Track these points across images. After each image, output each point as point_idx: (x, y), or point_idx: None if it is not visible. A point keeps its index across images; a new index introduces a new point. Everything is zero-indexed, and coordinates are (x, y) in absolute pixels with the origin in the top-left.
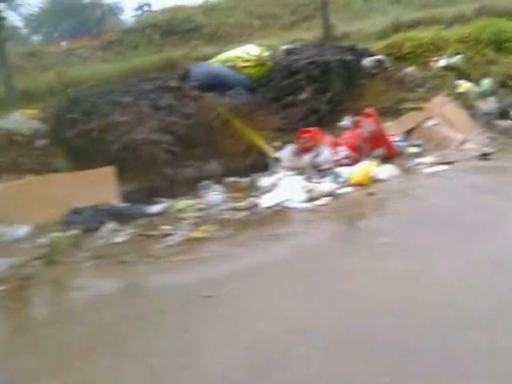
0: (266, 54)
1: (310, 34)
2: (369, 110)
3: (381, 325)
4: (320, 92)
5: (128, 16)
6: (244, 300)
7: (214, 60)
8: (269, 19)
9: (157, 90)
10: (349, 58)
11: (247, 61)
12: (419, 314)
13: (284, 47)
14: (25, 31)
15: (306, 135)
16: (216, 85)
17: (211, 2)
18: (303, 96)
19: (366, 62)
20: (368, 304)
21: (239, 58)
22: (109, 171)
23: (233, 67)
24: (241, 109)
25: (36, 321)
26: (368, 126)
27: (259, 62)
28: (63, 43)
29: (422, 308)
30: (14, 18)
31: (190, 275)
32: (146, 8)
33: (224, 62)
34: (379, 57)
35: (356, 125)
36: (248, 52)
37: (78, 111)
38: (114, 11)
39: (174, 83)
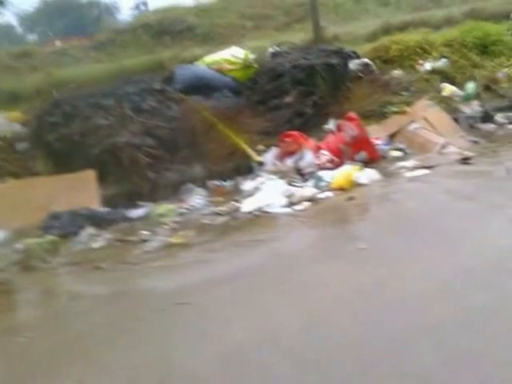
0: (252, 56)
1: (301, 35)
2: (351, 114)
3: (348, 332)
4: (305, 95)
5: (125, 15)
6: (218, 308)
7: (199, 62)
8: (261, 20)
9: (140, 93)
10: (334, 61)
11: (233, 63)
12: (387, 321)
13: (270, 50)
14: (20, 30)
15: (289, 139)
16: (201, 87)
17: (204, 2)
18: (288, 99)
19: (352, 65)
20: (338, 312)
21: (225, 60)
22: (90, 175)
23: (218, 70)
24: (225, 112)
25: (5, 328)
26: (350, 129)
27: (245, 65)
28: (58, 42)
29: (389, 315)
30: (9, 18)
31: (166, 282)
32: (142, 7)
33: (210, 64)
34: (365, 60)
35: (339, 129)
36: (234, 55)
37: (59, 114)
38: (110, 10)
39: (157, 86)
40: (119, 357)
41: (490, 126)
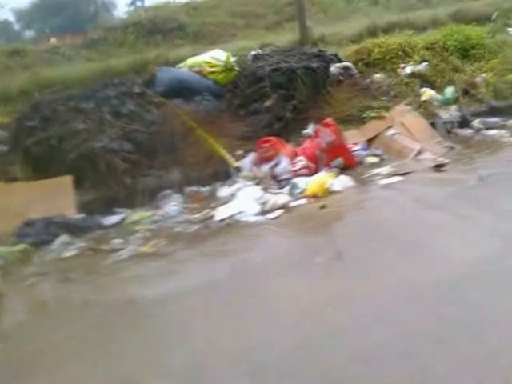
0: (233, 59)
1: (288, 36)
2: (328, 120)
3: (302, 350)
4: (285, 99)
5: (121, 12)
6: (179, 322)
7: (181, 65)
8: (252, 19)
9: (120, 96)
10: (314, 64)
11: (214, 66)
12: (342, 338)
13: (252, 53)
14: (17, 27)
15: (266, 144)
16: (182, 90)
17: (195, 1)
18: (268, 103)
19: (333, 68)
20: (294, 329)
21: (206, 63)
22: (66, 181)
23: (199, 72)
24: (205, 116)
25: None
26: (327, 135)
27: (226, 68)
28: (53, 40)
29: (344, 333)
30: (6, 14)
31: (128, 295)
32: (138, 3)
33: (191, 66)
34: (346, 63)
35: (315, 134)
36: (215, 57)
37: (37, 118)
38: (107, 7)
39: (137, 89)
40: (64, 377)
41: (467, 132)
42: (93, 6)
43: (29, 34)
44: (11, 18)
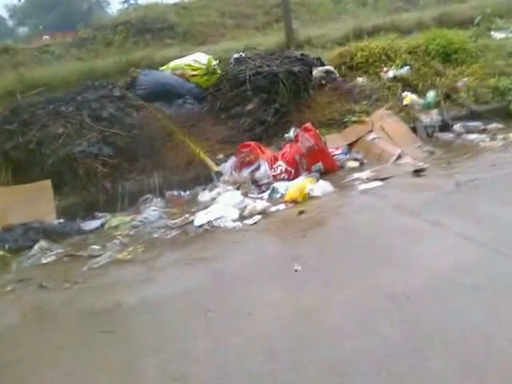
0: (215, 62)
1: (275, 37)
2: (308, 125)
3: (275, 362)
4: (267, 103)
5: (115, 9)
6: (149, 332)
7: (164, 67)
8: (242, 19)
9: (100, 100)
10: (296, 68)
11: (196, 69)
12: (316, 350)
13: (235, 56)
14: (11, 23)
15: (246, 149)
16: (164, 93)
17: (185, 0)
18: (249, 107)
19: (315, 72)
20: (268, 339)
21: (188, 66)
22: (46, 185)
23: (182, 76)
24: (186, 119)
25: None
26: (307, 140)
27: (208, 71)
28: (46, 37)
29: (319, 344)
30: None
31: (99, 305)
32: (132, 1)
33: (174, 69)
34: (328, 67)
35: (295, 139)
36: (197, 60)
37: (17, 122)
38: (100, 4)
39: (118, 92)
40: (56, 379)
41: (448, 136)
42: (86, 4)
43: (22, 30)
44: (4, 14)
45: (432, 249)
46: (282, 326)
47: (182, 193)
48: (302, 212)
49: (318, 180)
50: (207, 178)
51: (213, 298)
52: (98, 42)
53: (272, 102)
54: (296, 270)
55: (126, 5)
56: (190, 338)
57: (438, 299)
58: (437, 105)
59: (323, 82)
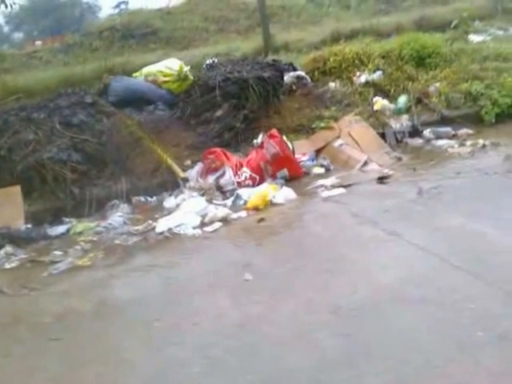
0: (186, 68)
1: (254, 42)
2: (273, 131)
3: (213, 374)
4: (237, 109)
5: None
6: (87, 345)
7: (137, 74)
8: (225, 23)
9: (72, 106)
10: (266, 74)
11: (168, 75)
12: (256, 362)
13: (207, 61)
14: (6, 29)
15: (211, 156)
16: (136, 100)
17: (169, 6)
18: (218, 113)
19: (286, 78)
20: (208, 350)
21: (160, 72)
22: (15, 191)
23: (154, 82)
24: (156, 125)
25: None
26: (272, 147)
27: (180, 77)
28: (38, 43)
29: (259, 357)
30: None
31: (53, 311)
32: (123, 6)
33: (146, 75)
34: (299, 72)
35: (261, 146)
36: (168, 66)
37: None
38: (92, 10)
39: (89, 99)
40: None
41: (417, 142)
42: (78, 9)
43: (17, 36)
44: (1, 20)
45: (384, 260)
46: (225, 337)
47: (149, 199)
48: (261, 220)
49: (282, 187)
50: (174, 184)
51: (161, 307)
52: (85, 47)
53: (242, 108)
54: (246, 280)
55: (117, 10)
56: (132, 347)
57: (381, 312)
58: (408, 110)
59: (294, 87)
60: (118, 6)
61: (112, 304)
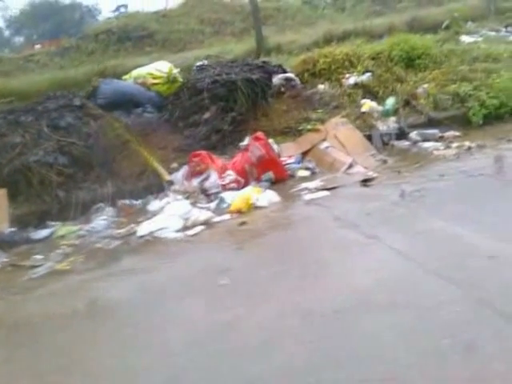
0: (176, 70)
1: (246, 45)
2: (258, 134)
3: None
4: (225, 111)
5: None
6: (57, 353)
7: (126, 76)
8: (220, 26)
9: (59, 109)
10: (254, 76)
11: (157, 78)
12: (220, 371)
13: (197, 63)
14: (7, 33)
15: (197, 158)
16: (125, 102)
17: (166, 8)
18: (206, 115)
19: (275, 80)
20: (164, 364)
21: (149, 74)
22: (1, 194)
23: (143, 84)
24: (144, 128)
25: None
26: (257, 149)
27: (169, 79)
28: (37, 46)
29: (224, 365)
30: None
31: (28, 317)
32: (122, 9)
33: (136, 78)
34: (288, 74)
35: (246, 148)
36: (158, 69)
37: None
38: (92, 13)
39: (77, 102)
40: None
41: (404, 144)
42: (78, 13)
43: (18, 40)
44: (2, 24)
45: (361, 264)
46: (192, 344)
47: (134, 202)
48: (243, 223)
49: (266, 190)
50: (159, 188)
51: (132, 314)
52: (81, 50)
53: (230, 111)
54: (223, 285)
55: (116, 13)
56: (98, 356)
57: (352, 319)
58: (396, 112)
59: (283, 89)
60: (117, 9)
61: (83, 310)
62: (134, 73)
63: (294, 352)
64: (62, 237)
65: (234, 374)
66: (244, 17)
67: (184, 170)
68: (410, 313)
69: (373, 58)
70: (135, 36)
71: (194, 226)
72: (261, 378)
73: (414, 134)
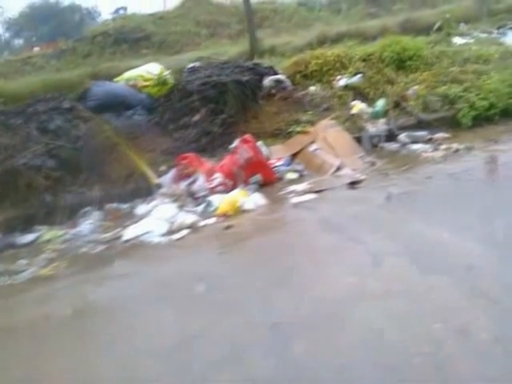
0: (167, 72)
1: (240, 47)
2: (246, 136)
3: None
4: (215, 113)
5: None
6: (22, 363)
7: (118, 78)
8: (217, 28)
9: (49, 112)
10: (244, 78)
11: (148, 80)
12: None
13: (189, 65)
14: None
15: (185, 161)
16: (116, 105)
17: (162, 10)
18: (196, 118)
19: (266, 81)
20: (127, 376)
21: (140, 76)
22: None
23: (134, 86)
24: (133, 130)
25: None
26: (245, 152)
27: (159, 81)
28: (36, 48)
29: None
30: None
31: (9, 320)
32: (122, 11)
33: (127, 80)
34: (279, 76)
35: (234, 151)
36: (148, 71)
37: None
38: (91, 15)
39: (67, 104)
40: None
41: (393, 146)
42: (78, 15)
43: (18, 42)
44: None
45: (339, 270)
46: (157, 356)
47: (122, 206)
48: (229, 226)
49: (253, 192)
50: (147, 191)
51: (103, 322)
52: (77, 53)
53: (220, 113)
54: (197, 292)
55: (115, 15)
56: (60, 367)
57: (320, 330)
58: (385, 114)
59: (273, 91)
60: (116, 11)
61: (55, 317)
62: (126, 75)
63: (257, 364)
64: (48, 241)
65: None
66: (240, 19)
67: (172, 173)
68: (381, 328)
69: (364, 60)
70: (132, 38)
71: (179, 229)
72: None
73: (403, 136)
